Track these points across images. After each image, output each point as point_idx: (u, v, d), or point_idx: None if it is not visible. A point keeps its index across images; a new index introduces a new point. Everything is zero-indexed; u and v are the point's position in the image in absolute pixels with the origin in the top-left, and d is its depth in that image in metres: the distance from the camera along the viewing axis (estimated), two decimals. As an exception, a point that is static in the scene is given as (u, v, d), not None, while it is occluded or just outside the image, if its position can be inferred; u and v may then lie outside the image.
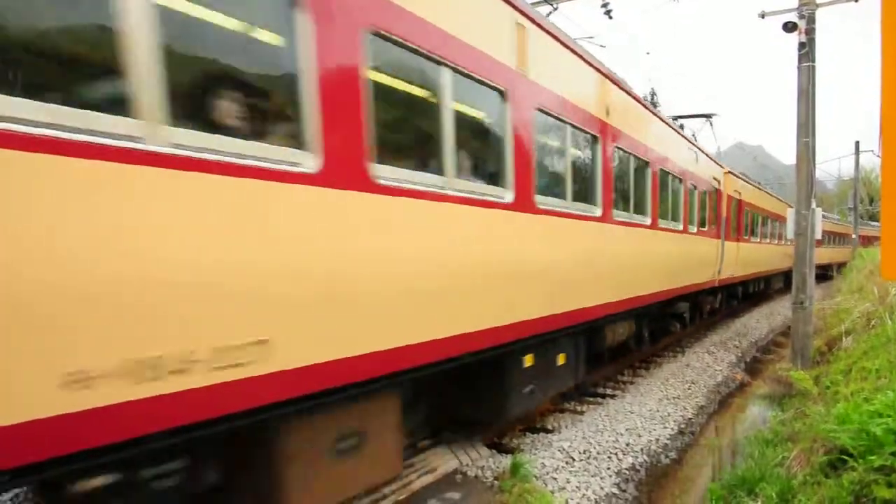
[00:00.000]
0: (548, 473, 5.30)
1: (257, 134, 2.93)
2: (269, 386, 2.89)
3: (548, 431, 6.65)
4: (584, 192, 6.33)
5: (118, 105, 2.35)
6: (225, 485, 3.19)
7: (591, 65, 6.49)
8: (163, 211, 2.42)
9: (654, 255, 8.54)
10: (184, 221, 2.50)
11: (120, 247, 2.28)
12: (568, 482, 5.18)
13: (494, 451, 5.86)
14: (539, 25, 5.32)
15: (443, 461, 5.30)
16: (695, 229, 10.75)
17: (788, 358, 9.97)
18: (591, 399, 8.12)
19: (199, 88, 2.80)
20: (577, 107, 6.04)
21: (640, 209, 7.97)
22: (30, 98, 2.12)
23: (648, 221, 8.21)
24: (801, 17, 9.13)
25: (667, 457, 6.33)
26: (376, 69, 3.51)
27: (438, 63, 3.99)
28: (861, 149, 34.90)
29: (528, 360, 5.45)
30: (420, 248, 3.85)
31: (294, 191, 2.97)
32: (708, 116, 15.39)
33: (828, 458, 4.34)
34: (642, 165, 8.08)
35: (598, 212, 6.55)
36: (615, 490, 5.18)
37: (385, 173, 3.53)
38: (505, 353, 4.98)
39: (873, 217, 57.20)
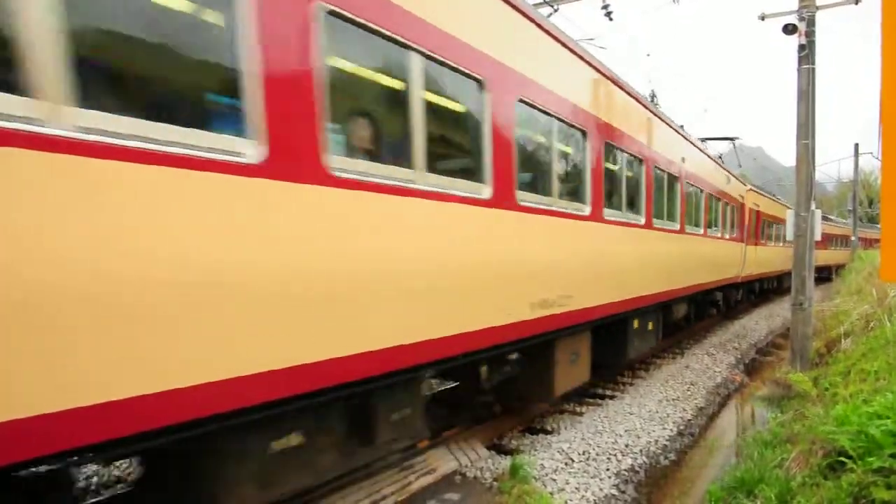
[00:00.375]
0: (547, 475, 5.30)
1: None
2: (568, 318, 5.77)
3: (547, 432, 6.65)
4: (671, 214, 9.39)
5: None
6: (517, 376, 6.05)
7: (676, 130, 9.82)
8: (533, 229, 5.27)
9: (704, 256, 11.65)
10: (547, 237, 5.50)
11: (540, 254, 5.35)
12: (567, 483, 5.17)
13: (494, 452, 5.86)
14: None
15: (442, 462, 5.30)
16: (728, 236, 13.89)
17: (787, 360, 9.97)
18: (591, 400, 8.12)
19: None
20: (664, 166, 8.97)
21: (698, 223, 11.24)
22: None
23: (701, 231, 11.43)
24: (801, 19, 9.14)
25: (666, 458, 6.32)
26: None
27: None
28: (860, 151, 34.94)
29: (635, 324, 8.26)
30: (627, 251, 7.40)
31: (582, 224, 6.24)
32: (732, 139, 18.76)
33: (827, 460, 4.34)
34: (698, 192, 11.21)
35: (676, 226, 9.75)
36: (614, 491, 5.17)
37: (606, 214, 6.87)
38: (626, 317, 7.81)
39: (872, 219, 57.27)
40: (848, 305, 12.58)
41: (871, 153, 33.20)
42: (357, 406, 3.81)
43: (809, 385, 7.13)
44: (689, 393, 8.62)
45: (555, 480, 5.20)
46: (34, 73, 2.08)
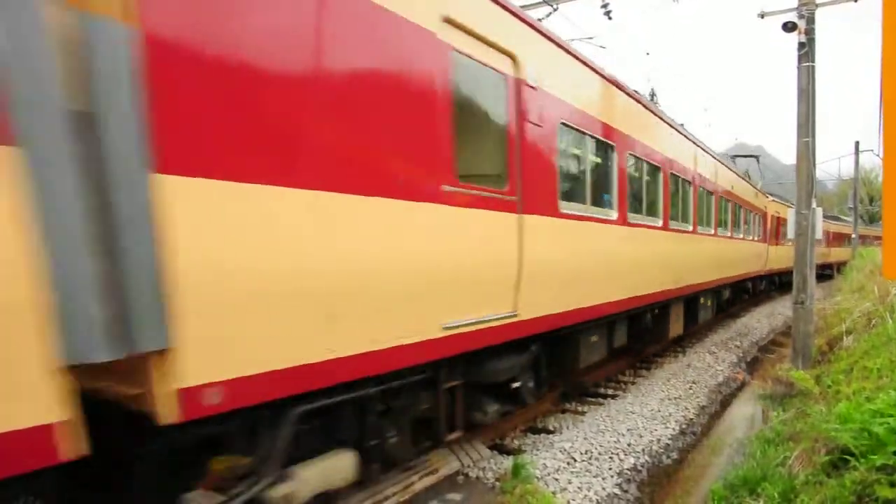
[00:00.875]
0: (549, 474, 5.30)
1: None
2: (679, 291, 9.74)
3: (549, 432, 6.64)
4: (725, 224, 13.78)
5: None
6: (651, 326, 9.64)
7: (731, 169, 15.11)
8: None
9: (741, 254, 15.63)
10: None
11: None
12: (569, 483, 5.17)
13: (496, 451, 5.85)
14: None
15: (444, 462, 5.29)
16: (756, 239, 18.17)
17: (789, 357, 9.96)
18: (593, 399, 8.11)
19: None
20: (724, 195, 13.43)
21: (739, 229, 15.42)
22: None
23: (741, 236, 15.66)
24: (801, 17, 9.14)
25: (668, 457, 6.32)
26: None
27: None
28: (861, 148, 34.88)
29: (702, 300, 12.09)
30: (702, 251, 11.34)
31: (688, 235, 10.59)
32: (757, 157, 23.80)
33: (829, 458, 4.33)
34: (737, 208, 15.12)
35: (728, 233, 14.00)
36: (617, 491, 5.17)
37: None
38: (699, 295, 11.74)
39: (873, 217, 57.20)
40: (849, 303, 12.58)
41: (872, 150, 33.15)
42: (609, 326, 7.49)
43: (811, 383, 7.13)
44: (691, 391, 8.62)
45: (557, 480, 5.20)
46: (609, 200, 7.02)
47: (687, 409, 7.74)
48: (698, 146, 11.23)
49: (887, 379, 5.59)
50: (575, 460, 5.67)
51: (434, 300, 4.04)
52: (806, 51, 9.17)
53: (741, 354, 11.89)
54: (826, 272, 31.55)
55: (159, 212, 2.41)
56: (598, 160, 6.80)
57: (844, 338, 9.35)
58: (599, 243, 6.60)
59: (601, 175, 6.91)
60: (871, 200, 59.75)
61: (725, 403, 8.87)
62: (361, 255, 3.41)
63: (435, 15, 4.01)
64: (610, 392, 8.50)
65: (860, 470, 3.78)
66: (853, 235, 36.80)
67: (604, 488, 5.13)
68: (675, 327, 10.41)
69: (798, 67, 9.35)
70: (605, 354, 7.46)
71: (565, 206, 5.78)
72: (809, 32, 9.15)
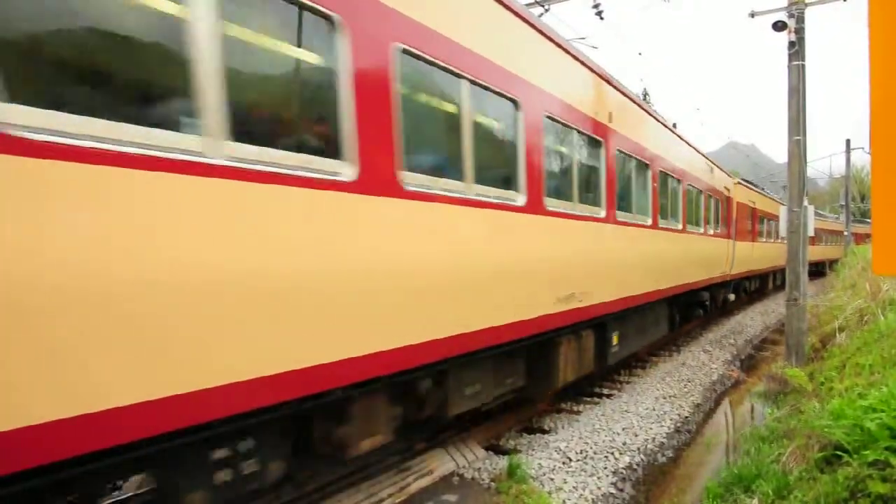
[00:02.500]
0: (544, 474, 5.29)
1: None
2: (767, 270, 22.65)
3: (544, 432, 6.65)
4: (775, 234, 21.27)
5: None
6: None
7: (774, 199, 23.06)
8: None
9: (778, 252, 19.81)
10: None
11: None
12: (565, 482, 5.17)
13: (491, 452, 5.85)
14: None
15: (440, 463, 5.29)
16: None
17: (783, 355, 10.01)
18: (588, 399, 8.12)
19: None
20: (766, 216, 21.11)
21: (767, 235, 20.93)
22: None
23: (771, 240, 21.08)
24: (791, 16, 9.20)
25: (664, 455, 6.33)
26: None
27: None
28: (852, 146, 35.08)
29: (776, 275, 24.29)
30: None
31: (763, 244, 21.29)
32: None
33: (823, 454, 4.35)
34: (767, 219, 21.01)
35: (776, 240, 20.81)
36: (612, 490, 5.17)
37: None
38: (768, 273, 23.27)
39: (865, 214, 57.62)
40: (842, 300, 12.65)
41: (863, 148, 33.43)
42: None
43: (805, 379, 7.16)
44: (685, 390, 8.64)
45: (552, 480, 5.19)
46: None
47: (682, 407, 7.76)
48: (765, 194, 21.81)
49: (879, 375, 5.63)
50: (570, 460, 5.67)
51: None
52: (796, 50, 9.23)
53: (735, 352, 11.94)
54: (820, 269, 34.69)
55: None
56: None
57: (837, 335, 9.41)
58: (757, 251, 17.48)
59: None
60: (863, 198, 60.19)
61: (720, 401, 8.90)
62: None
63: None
64: (605, 391, 8.51)
65: (853, 465, 3.80)
66: (845, 233, 37.03)
67: (599, 487, 5.13)
68: (769, 285, 22.20)
69: (788, 66, 9.41)
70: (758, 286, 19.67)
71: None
72: (799, 31, 9.21)
